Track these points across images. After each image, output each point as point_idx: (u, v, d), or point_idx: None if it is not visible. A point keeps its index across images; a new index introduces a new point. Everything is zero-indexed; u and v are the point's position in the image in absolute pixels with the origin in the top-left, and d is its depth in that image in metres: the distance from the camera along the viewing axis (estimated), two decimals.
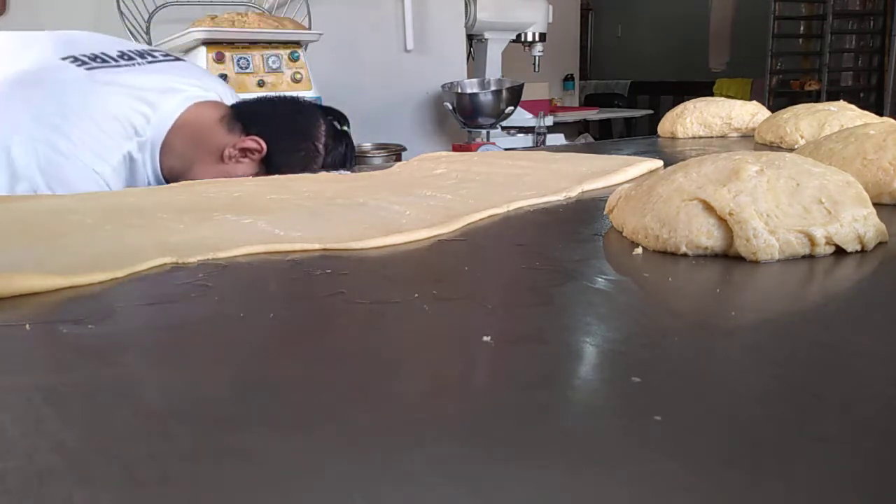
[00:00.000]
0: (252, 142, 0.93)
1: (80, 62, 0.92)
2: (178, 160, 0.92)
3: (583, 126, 3.54)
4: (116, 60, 0.94)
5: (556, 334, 0.29)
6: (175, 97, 0.92)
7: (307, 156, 0.95)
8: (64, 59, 0.92)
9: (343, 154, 0.99)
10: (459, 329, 0.31)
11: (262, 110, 0.98)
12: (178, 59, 1.05)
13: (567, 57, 4.04)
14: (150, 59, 0.99)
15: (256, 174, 0.92)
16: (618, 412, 0.22)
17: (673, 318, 0.32)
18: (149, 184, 0.91)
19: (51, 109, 0.84)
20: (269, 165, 0.93)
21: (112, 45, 0.99)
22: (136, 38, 1.67)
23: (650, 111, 3.75)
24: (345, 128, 1.01)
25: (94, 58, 0.93)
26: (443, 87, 2.29)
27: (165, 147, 0.91)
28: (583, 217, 0.53)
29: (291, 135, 0.96)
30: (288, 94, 1.14)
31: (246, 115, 0.95)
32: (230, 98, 1.03)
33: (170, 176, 0.92)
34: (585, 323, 0.31)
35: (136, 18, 1.69)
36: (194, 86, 0.96)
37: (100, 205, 0.59)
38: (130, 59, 0.96)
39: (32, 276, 0.36)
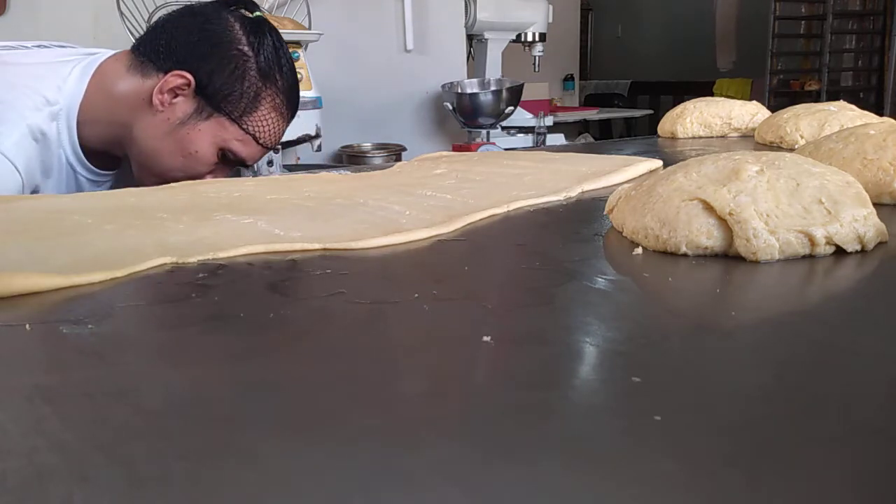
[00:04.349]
0: (175, 77, 0.82)
1: None
2: (107, 128, 0.84)
3: (583, 126, 3.54)
4: (11, 48, 0.89)
5: (556, 334, 0.29)
6: (79, 64, 0.84)
7: (238, 64, 0.84)
8: None
9: (273, 45, 0.87)
10: (459, 329, 0.31)
11: (166, 39, 0.85)
12: (64, 46, 0.96)
13: (567, 57, 4.04)
14: (38, 46, 0.92)
15: (198, 109, 0.83)
16: (618, 412, 0.22)
17: (673, 318, 0.32)
18: (66, 160, 0.82)
19: None
20: (206, 94, 0.83)
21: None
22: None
23: (650, 111, 3.75)
24: (257, 13, 0.89)
25: None
26: (443, 87, 2.29)
27: (85, 119, 0.83)
28: (583, 217, 0.53)
29: (210, 51, 0.84)
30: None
31: (152, 52, 0.85)
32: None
33: (102, 148, 0.84)
34: (585, 323, 0.31)
35: (136, 18, 1.69)
36: (86, 53, 0.88)
37: (100, 205, 0.59)
38: (24, 48, 0.90)
39: (32, 276, 0.36)
